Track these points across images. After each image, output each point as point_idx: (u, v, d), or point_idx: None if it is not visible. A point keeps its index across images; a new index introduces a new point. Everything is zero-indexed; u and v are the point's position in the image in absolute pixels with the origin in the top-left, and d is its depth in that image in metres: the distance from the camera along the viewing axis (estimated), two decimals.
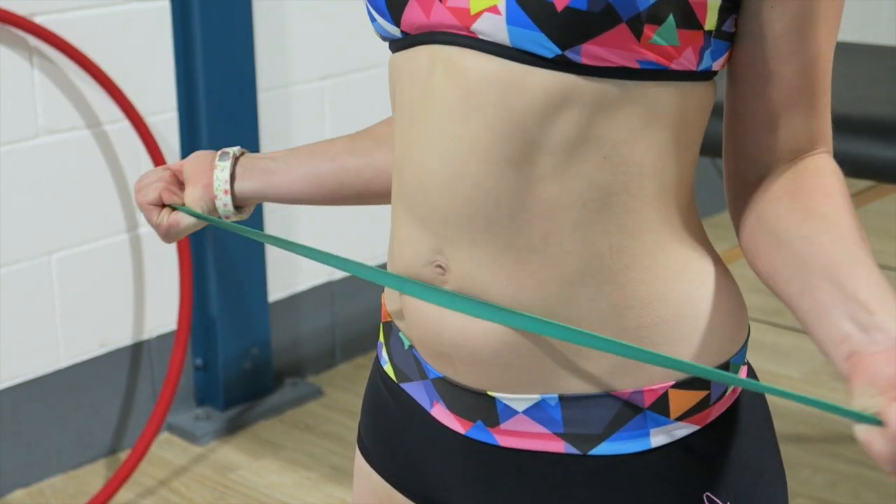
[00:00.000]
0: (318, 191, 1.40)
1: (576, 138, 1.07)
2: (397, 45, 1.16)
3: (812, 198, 1.09)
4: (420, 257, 1.15)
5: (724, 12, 1.08)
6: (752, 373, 1.23)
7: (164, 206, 1.39)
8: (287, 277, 3.48)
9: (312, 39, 3.38)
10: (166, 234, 1.41)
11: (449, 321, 1.14)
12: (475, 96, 1.08)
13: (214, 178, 1.38)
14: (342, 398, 3.46)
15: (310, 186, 1.40)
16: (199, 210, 1.39)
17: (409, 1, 1.11)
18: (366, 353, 3.69)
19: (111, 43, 2.97)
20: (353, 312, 3.64)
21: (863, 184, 5.20)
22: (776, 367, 3.57)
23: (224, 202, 1.38)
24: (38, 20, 2.82)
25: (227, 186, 1.38)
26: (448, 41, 1.09)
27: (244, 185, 1.39)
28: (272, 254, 3.39)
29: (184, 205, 1.39)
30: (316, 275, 3.53)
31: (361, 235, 3.54)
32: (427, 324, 1.17)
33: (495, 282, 1.10)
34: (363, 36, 3.48)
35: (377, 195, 1.39)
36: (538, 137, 1.07)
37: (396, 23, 1.13)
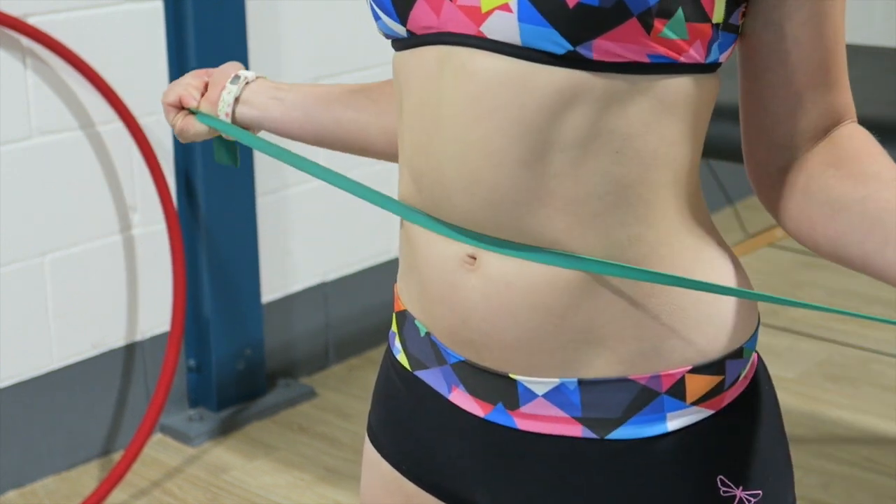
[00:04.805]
0: (310, 135, 1.45)
1: (587, 134, 1.09)
2: (402, 43, 1.17)
3: (857, 161, 1.11)
4: (450, 250, 1.16)
5: (731, 5, 1.09)
6: (760, 360, 1.25)
7: (181, 108, 1.46)
8: (280, 279, 3.48)
9: (305, 40, 3.38)
10: (179, 135, 1.48)
11: (475, 309, 1.16)
12: (486, 99, 1.09)
13: (220, 98, 1.44)
14: (335, 399, 3.46)
15: (302, 130, 1.44)
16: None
17: (416, 0, 1.12)
18: (359, 354, 3.69)
19: (104, 44, 2.96)
20: (347, 314, 3.64)
21: None
22: (770, 367, 3.57)
23: None
24: (32, 21, 2.82)
25: (229, 110, 1.44)
26: (456, 42, 1.10)
27: (244, 111, 1.44)
28: (266, 255, 3.39)
29: (199, 109, 1.45)
30: (309, 276, 3.53)
31: (359, 233, 3.54)
32: (452, 313, 1.18)
33: (522, 272, 1.12)
34: (356, 37, 3.48)
35: (364, 150, 1.44)
36: (550, 136, 1.09)
37: (403, 22, 1.14)
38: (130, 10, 3.00)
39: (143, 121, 3.05)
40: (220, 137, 1.51)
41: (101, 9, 2.95)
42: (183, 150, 3.16)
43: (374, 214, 3.75)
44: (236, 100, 1.44)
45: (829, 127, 1.16)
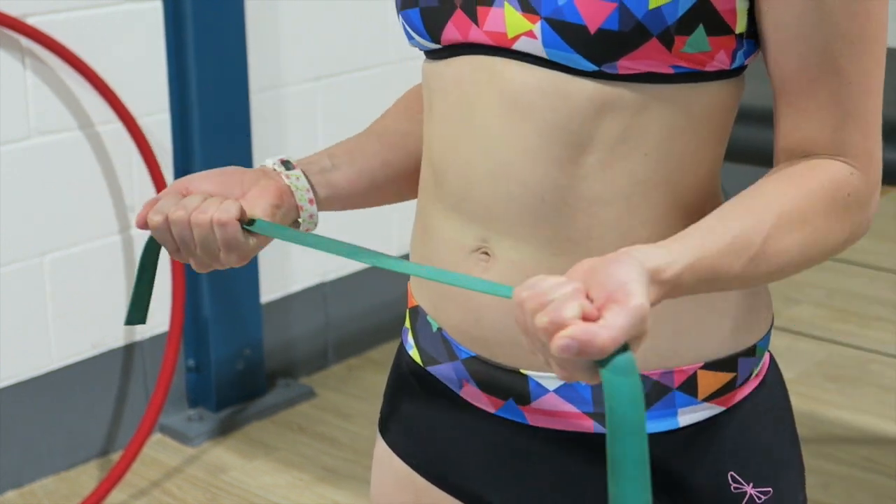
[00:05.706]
0: (374, 188, 1.31)
1: (618, 138, 1.10)
2: (435, 54, 1.19)
3: (778, 176, 1.10)
4: (464, 247, 1.18)
5: (753, 13, 1.10)
6: (772, 359, 1.26)
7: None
8: (279, 279, 3.47)
9: (305, 40, 3.38)
10: (247, 257, 1.23)
11: (488, 307, 1.17)
12: (519, 103, 1.11)
13: (294, 188, 1.24)
14: (335, 399, 3.46)
15: (366, 185, 1.31)
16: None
17: (446, 23, 1.14)
18: (358, 354, 3.69)
19: (104, 44, 2.96)
20: (346, 314, 3.64)
21: None
22: None
23: (310, 212, 1.26)
24: (31, 21, 2.82)
25: (311, 195, 1.26)
26: (489, 53, 1.13)
27: (321, 192, 1.28)
28: (265, 255, 3.38)
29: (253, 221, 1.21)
30: (308, 276, 3.53)
31: (358, 233, 3.53)
32: (465, 310, 1.19)
33: (536, 270, 1.13)
34: (356, 37, 3.48)
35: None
36: (582, 138, 1.10)
37: (436, 41, 1.17)
38: (130, 10, 3.00)
39: (143, 121, 3.04)
40: (136, 293, 1.31)
41: (101, 9, 2.95)
42: (182, 150, 3.16)
43: (373, 215, 3.74)
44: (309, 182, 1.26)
45: (816, 156, 1.11)
